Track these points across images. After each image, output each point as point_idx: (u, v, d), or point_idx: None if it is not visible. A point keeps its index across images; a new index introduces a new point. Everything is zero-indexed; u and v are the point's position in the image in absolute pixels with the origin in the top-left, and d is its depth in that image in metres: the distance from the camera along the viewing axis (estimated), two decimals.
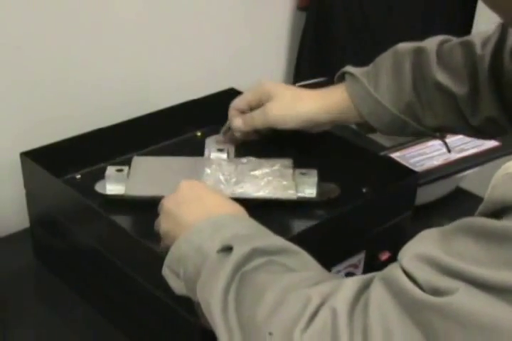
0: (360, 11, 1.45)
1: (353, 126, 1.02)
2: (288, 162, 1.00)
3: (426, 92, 0.91)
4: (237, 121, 0.99)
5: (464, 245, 0.53)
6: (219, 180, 0.95)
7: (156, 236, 0.81)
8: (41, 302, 1.00)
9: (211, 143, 1.05)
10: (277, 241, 0.70)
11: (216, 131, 1.07)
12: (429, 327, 0.52)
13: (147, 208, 0.86)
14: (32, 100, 1.11)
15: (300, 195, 0.95)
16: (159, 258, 0.75)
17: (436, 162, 1.15)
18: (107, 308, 0.95)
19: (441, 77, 0.89)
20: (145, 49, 1.22)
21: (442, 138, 0.99)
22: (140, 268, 0.85)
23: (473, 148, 1.18)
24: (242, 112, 0.99)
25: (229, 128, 1.02)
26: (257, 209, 0.78)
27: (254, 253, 0.66)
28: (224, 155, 1.01)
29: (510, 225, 0.50)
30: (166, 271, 0.73)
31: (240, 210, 0.77)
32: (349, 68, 0.95)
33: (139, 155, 1.04)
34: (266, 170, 0.98)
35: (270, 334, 0.59)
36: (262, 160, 1.00)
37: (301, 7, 1.44)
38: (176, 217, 0.76)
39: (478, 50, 0.88)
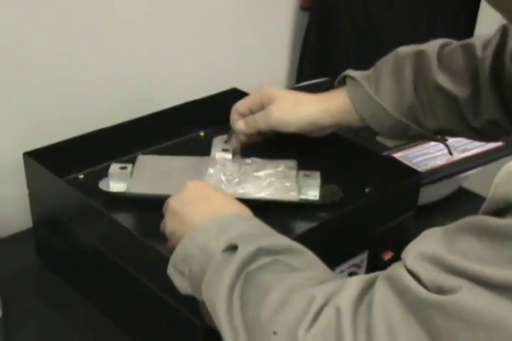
0: (363, 10, 1.45)
1: None
2: (292, 163, 1.00)
3: (427, 95, 0.91)
4: (239, 124, 0.99)
5: (467, 243, 0.53)
6: (220, 180, 0.95)
7: (160, 236, 0.81)
8: (44, 302, 1.00)
9: (218, 143, 1.04)
10: (282, 240, 0.70)
11: (220, 131, 1.07)
12: (433, 326, 0.52)
13: (150, 207, 0.86)
14: (35, 100, 1.11)
15: (303, 197, 0.95)
16: (162, 258, 0.75)
17: (439, 162, 1.15)
18: (110, 308, 0.95)
19: (442, 80, 0.89)
20: (148, 49, 1.22)
21: (443, 140, 0.99)
22: (143, 268, 0.85)
23: (476, 148, 1.18)
24: (244, 116, 1.00)
25: (233, 132, 1.02)
26: (259, 210, 0.78)
27: (259, 252, 0.66)
28: (229, 156, 1.01)
29: None
30: (171, 270, 0.73)
31: (245, 210, 0.77)
32: (350, 72, 0.95)
33: (143, 154, 1.04)
34: (269, 171, 0.98)
35: (274, 333, 0.60)
36: (267, 161, 1.00)
37: (304, 7, 1.44)
38: (181, 217, 0.76)
39: (479, 52, 0.88)
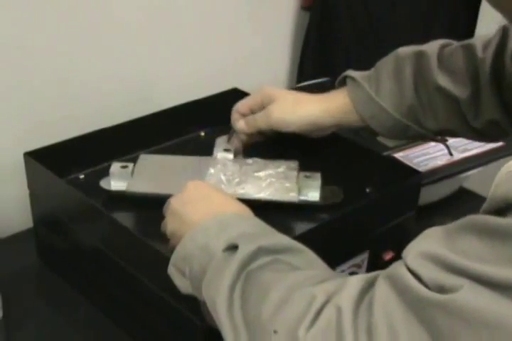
0: (363, 10, 1.45)
1: None
2: (294, 164, 0.99)
3: (427, 96, 0.91)
4: (240, 124, 0.99)
5: (468, 243, 0.53)
6: (220, 180, 0.95)
7: (160, 236, 0.81)
8: (44, 302, 1.00)
9: (220, 143, 1.04)
10: (283, 239, 0.70)
11: (220, 131, 1.07)
12: (434, 325, 0.52)
13: (150, 206, 0.86)
14: (35, 100, 1.11)
15: (303, 198, 0.95)
16: (163, 258, 0.75)
17: (440, 162, 1.15)
18: (110, 308, 0.95)
19: (443, 80, 0.89)
20: (148, 49, 1.22)
21: (444, 141, 0.99)
22: (143, 268, 0.85)
23: (476, 148, 1.18)
24: (245, 116, 1.00)
25: (234, 131, 1.02)
26: (260, 210, 0.78)
27: (260, 251, 0.66)
28: (230, 156, 1.01)
29: None
30: (171, 270, 0.73)
31: (245, 210, 0.77)
32: (350, 72, 0.95)
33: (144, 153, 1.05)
34: (270, 171, 0.98)
35: (275, 332, 0.60)
36: (268, 162, 1.00)
37: (304, 7, 1.44)
38: (181, 217, 0.77)
39: (480, 53, 0.88)
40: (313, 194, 0.95)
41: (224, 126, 1.05)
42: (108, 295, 0.94)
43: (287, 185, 0.95)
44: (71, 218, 0.95)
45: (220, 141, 1.04)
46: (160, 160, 1.02)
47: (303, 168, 0.99)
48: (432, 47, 0.92)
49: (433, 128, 0.93)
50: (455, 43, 0.92)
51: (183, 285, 0.72)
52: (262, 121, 0.97)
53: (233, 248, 0.67)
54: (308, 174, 0.97)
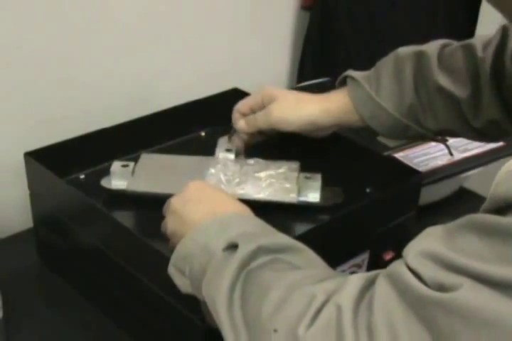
0: (364, 10, 1.45)
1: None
2: (295, 165, 0.99)
3: (427, 96, 0.91)
4: (240, 123, 0.99)
5: (468, 241, 0.53)
6: (220, 180, 0.95)
7: (161, 236, 0.81)
8: (44, 302, 1.00)
9: (222, 143, 1.04)
10: (283, 239, 0.70)
11: (221, 131, 1.07)
12: (434, 323, 0.52)
13: (151, 206, 0.86)
14: (35, 100, 1.11)
15: (303, 199, 0.94)
16: (163, 258, 0.75)
17: (440, 162, 1.15)
18: (111, 308, 0.95)
19: (443, 80, 0.89)
20: (148, 49, 1.22)
21: (444, 141, 0.99)
22: (144, 268, 0.85)
23: (476, 148, 1.18)
24: (245, 115, 1.00)
25: (235, 131, 1.02)
26: (260, 211, 0.78)
27: (260, 251, 0.66)
28: (231, 156, 1.01)
29: None
30: (171, 270, 0.73)
31: (246, 210, 0.77)
32: (351, 72, 0.95)
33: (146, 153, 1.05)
34: (271, 172, 0.98)
35: (275, 331, 0.60)
36: (269, 162, 1.00)
37: (305, 7, 1.44)
38: (182, 217, 0.77)
39: (480, 52, 0.88)
40: (313, 195, 0.95)
41: (224, 126, 1.05)
42: (108, 295, 0.94)
43: (287, 185, 0.95)
44: (71, 218, 0.95)
45: (222, 141, 1.04)
46: (161, 160, 1.02)
47: (303, 167, 0.99)
48: (432, 47, 0.92)
49: (433, 128, 0.93)
50: (455, 43, 0.92)
51: (183, 284, 0.72)
52: (262, 121, 0.97)
53: (233, 247, 0.67)
54: (308, 175, 0.96)
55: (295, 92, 0.99)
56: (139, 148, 1.06)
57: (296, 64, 1.49)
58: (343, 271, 0.93)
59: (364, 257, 0.96)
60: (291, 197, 0.93)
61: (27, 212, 1.03)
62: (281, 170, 0.98)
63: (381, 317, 0.55)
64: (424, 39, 0.94)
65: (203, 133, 1.14)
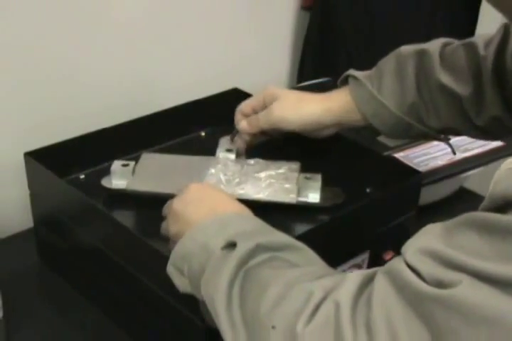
0: (364, 10, 1.45)
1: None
2: (295, 165, 0.99)
3: (430, 94, 0.91)
4: (242, 124, 0.99)
5: (467, 239, 0.53)
6: (220, 180, 0.95)
7: (161, 236, 0.81)
8: (45, 302, 1.00)
9: (224, 143, 1.04)
10: (281, 237, 0.70)
11: (221, 131, 1.07)
12: (433, 320, 0.52)
13: (151, 206, 0.86)
14: (35, 100, 1.11)
15: (302, 199, 0.94)
16: (163, 258, 0.75)
17: (440, 162, 1.15)
18: (111, 308, 0.95)
19: (445, 78, 0.89)
20: (148, 49, 1.22)
21: (446, 140, 0.99)
22: (144, 268, 0.85)
23: (477, 148, 1.18)
24: (248, 116, 1.00)
25: (237, 132, 1.02)
26: (260, 211, 0.78)
27: (258, 249, 0.66)
28: (232, 156, 1.01)
29: None
30: (170, 269, 0.73)
31: (245, 210, 0.78)
32: (352, 71, 0.95)
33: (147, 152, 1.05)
34: (271, 172, 0.98)
35: (273, 327, 0.60)
36: (270, 163, 1.00)
37: (305, 7, 1.44)
38: (184, 218, 0.77)
39: (481, 50, 0.88)
40: (313, 195, 0.95)
41: (225, 126, 1.05)
42: (108, 295, 0.94)
43: (287, 186, 0.95)
44: (71, 218, 0.95)
45: (224, 141, 1.04)
46: (161, 159, 1.02)
47: (303, 168, 0.99)
48: (434, 45, 0.92)
49: (436, 127, 0.93)
50: (456, 42, 0.92)
51: (182, 284, 0.72)
52: (263, 120, 0.97)
53: (232, 246, 0.67)
54: (308, 175, 0.96)
55: (297, 92, 0.99)
56: (139, 148, 1.06)
57: (296, 64, 1.49)
58: (343, 270, 0.93)
59: (364, 257, 0.96)
60: (290, 198, 0.93)
61: (27, 212, 1.03)
62: (281, 171, 0.98)
63: (380, 313, 0.55)
64: (424, 39, 0.94)
65: (203, 133, 1.14)
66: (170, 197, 0.82)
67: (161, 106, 1.10)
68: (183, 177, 0.94)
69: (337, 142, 1.03)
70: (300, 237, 0.72)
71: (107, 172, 0.97)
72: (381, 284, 0.56)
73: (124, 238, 0.85)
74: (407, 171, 0.98)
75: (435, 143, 1.17)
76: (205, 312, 0.72)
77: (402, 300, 0.54)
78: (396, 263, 0.57)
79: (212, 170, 0.97)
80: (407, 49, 0.93)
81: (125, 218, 0.91)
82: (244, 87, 1.15)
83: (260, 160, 1.00)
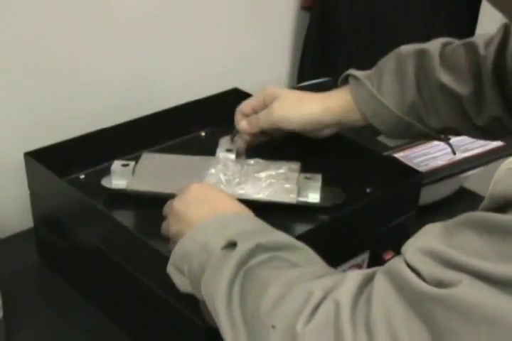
0: (364, 10, 1.45)
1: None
2: (296, 165, 0.99)
3: (430, 94, 0.91)
4: (242, 124, 0.99)
5: (467, 238, 0.53)
6: (220, 180, 0.95)
7: (161, 236, 0.81)
8: (45, 302, 1.00)
9: (224, 143, 1.04)
10: (281, 237, 0.70)
11: (221, 131, 1.07)
12: (432, 319, 0.52)
13: (151, 205, 0.86)
14: (35, 100, 1.11)
15: (302, 199, 0.94)
16: (163, 258, 0.75)
17: (440, 162, 1.15)
18: (111, 308, 0.95)
19: (445, 78, 0.89)
20: (148, 49, 1.22)
21: (446, 140, 0.99)
22: (144, 268, 0.85)
23: (477, 148, 1.18)
24: (248, 116, 1.00)
25: (237, 132, 1.02)
26: (260, 211, 0.78)
27: (258, 249, 0.67)
28: (232, 156, 1.01)
29: None
30: (170, 269, 0.73)
31: (244, 209, 0.78)
32: (352, 71, 0.95)
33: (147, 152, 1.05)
34: (271, 172, 0.98)
35: (273, 327, 0.60)
36: (270, 163, 1.00)
37: (305, 7, 1.44)
38: (185, 218, 0.77)
39: (481, 50, 0.88)
40: (313, 195, 0.95)
41: (224, 126, 1.05)
42: (108, 295, 0.94)
43: (287, 186, 0.95)
44: (71, 218, 0.95)
45: (224, 141, 1.05)
46: (161, 159, 1.02)
47: (303, 168, 0.99)
48: (434, 45, 0.92)
49: (436, 126, 0.93)
50: (456, 41, 0.92)
51: (182, 284, 0.73)
52: (264, 120, 0.97)
53: (232, 245, 0.68)
54: (308, 175, 0.96)
55: (297, 91, 0.99)
56: (139, 148, 1.06)
57: (296, 64, 1.49)
58: (343, 271, 0.93)
59: (364, 257, 0.96)
60: (290, 198, 0.93)
61: (27, 212, 1.03)
62: (281, 171, 0.98)
63: (379, 313, 0.55)
64: (424, 39, 0.94)
65: (203, 133, 1.14)
66: (170, 197, 0.82)
67: (161, 106, 1.10)
68: (183, 177, 0.94)
69: (337, 142, 1.03)
70: (300, 237, 0.72)
71: (107, 172, 0.97)
72: (381, 284, 0.56)
73: (124, 238, 0.85)
74: (407, 171, 0.97)
75: (435, 143, 1.17)
76: (206, 312, 0.72)
77: (402, 299, 0.54)
78: (396, 263, 0.57)
79: (212, 170, 0.97)
80: (407, 49, 0.93)
81: (125, 218, 0.91)
82: (244, 87, 1.15)
83: (260, 160, 1.00)
